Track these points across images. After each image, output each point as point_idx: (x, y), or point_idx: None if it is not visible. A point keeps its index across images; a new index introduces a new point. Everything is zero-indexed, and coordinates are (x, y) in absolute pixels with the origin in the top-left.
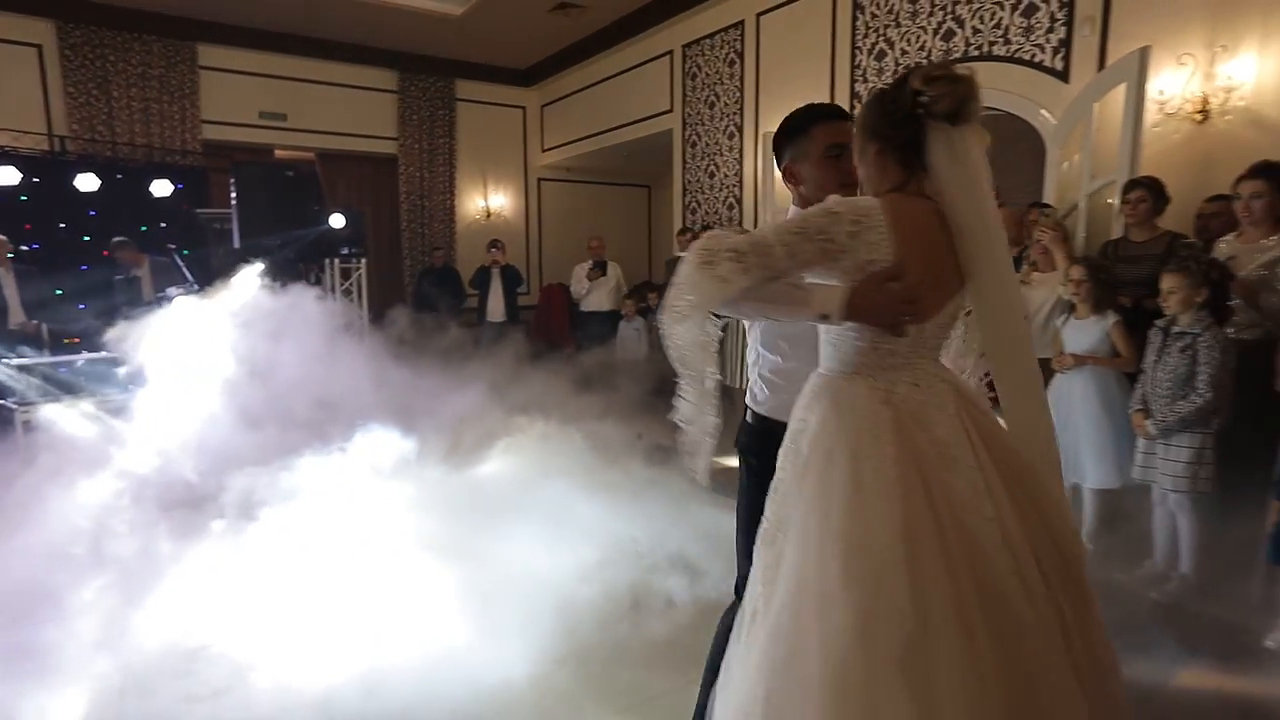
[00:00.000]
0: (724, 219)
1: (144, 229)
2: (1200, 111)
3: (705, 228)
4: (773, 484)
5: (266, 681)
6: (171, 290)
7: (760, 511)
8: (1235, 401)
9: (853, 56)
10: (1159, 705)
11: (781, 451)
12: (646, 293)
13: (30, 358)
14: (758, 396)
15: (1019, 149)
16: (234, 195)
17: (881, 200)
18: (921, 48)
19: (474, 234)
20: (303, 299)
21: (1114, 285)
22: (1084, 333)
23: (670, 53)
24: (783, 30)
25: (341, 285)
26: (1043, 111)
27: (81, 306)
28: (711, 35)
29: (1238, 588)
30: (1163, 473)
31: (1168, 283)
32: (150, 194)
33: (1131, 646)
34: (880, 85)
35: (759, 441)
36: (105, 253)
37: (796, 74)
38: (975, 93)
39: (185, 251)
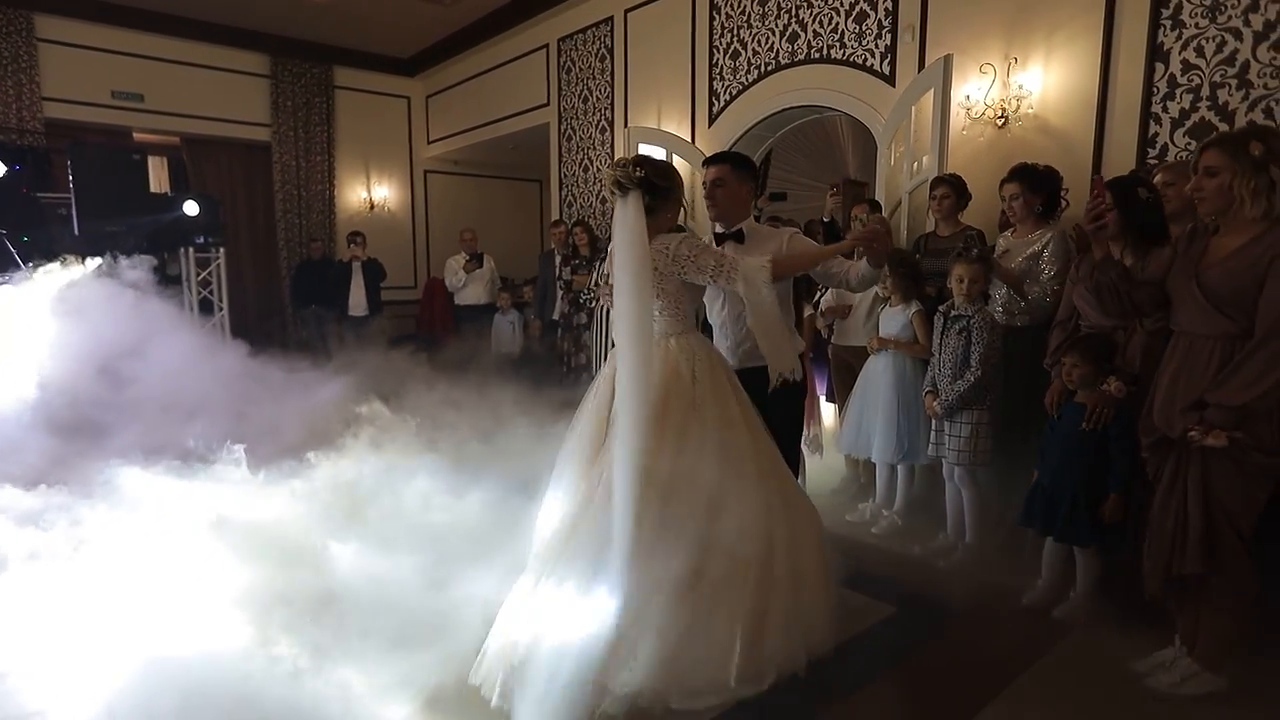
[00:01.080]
0: (596, 212)
1: None
2: (1000, 117)
3: (578, 223)
4: None
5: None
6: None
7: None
8: (1008, 381)
9: (711, 55)
10: (928, 659)
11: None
12: (521, 286)
13: None
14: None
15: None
16: (70, 178)
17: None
18: (771, 49)
19: (356, 225)
20: (125, 289)
21: (920, 276)
22: (893, 321)
23: (546, 46)
24: (649, 27)
25: (198, 275)
26: (875, 112)
27: None
28: (584, 30)
29: (1009, 553)
30: (948, 448)
31: (959, 271)
32: None
33: (916, 612)
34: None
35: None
36: None
37: (662, 71)
38: (627, 175)
39: (24, 238)
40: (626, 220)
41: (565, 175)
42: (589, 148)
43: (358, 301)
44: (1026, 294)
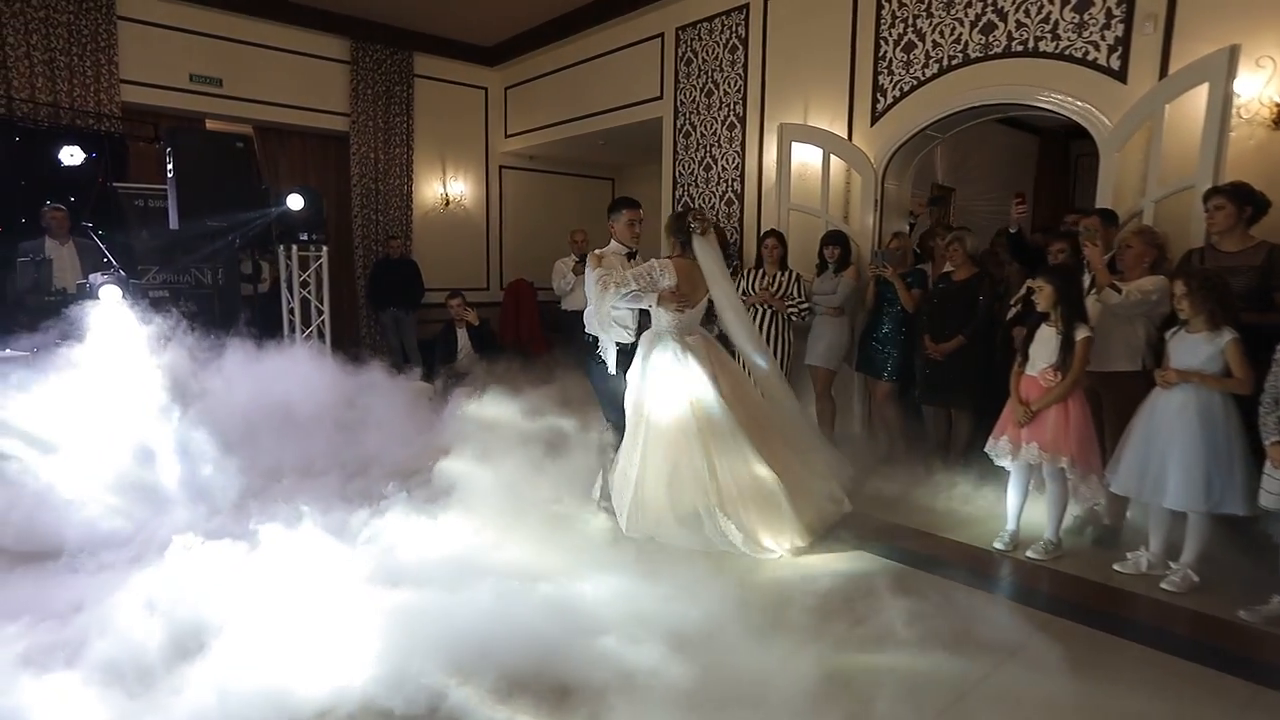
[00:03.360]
0: (721, 215)
1: (46, 204)
2: (1278, 118)
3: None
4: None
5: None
6: (97, 278)
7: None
8: None
9: (877, 48)
10: None
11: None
12: None
13: None
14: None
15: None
16: (170, 168)
17: (672, 259)
18: (957, 40)
19: (432, 223)
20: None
21: (1231, 301)
22: (1194, 350)
23: (661, 36)
24: (792, 16)
25: (299, 276)
26: (1095, 111)
27: None
28: (710, 19)
29: None
30: None
31: None
32: (58, 162)
33: None
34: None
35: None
36: None
37: (810, 64)
38: (711, 223)
39: (100, 232)
40: (714, 252)
41: (680, 173)
42: (712, 145)
43: (464, 358)
44: None
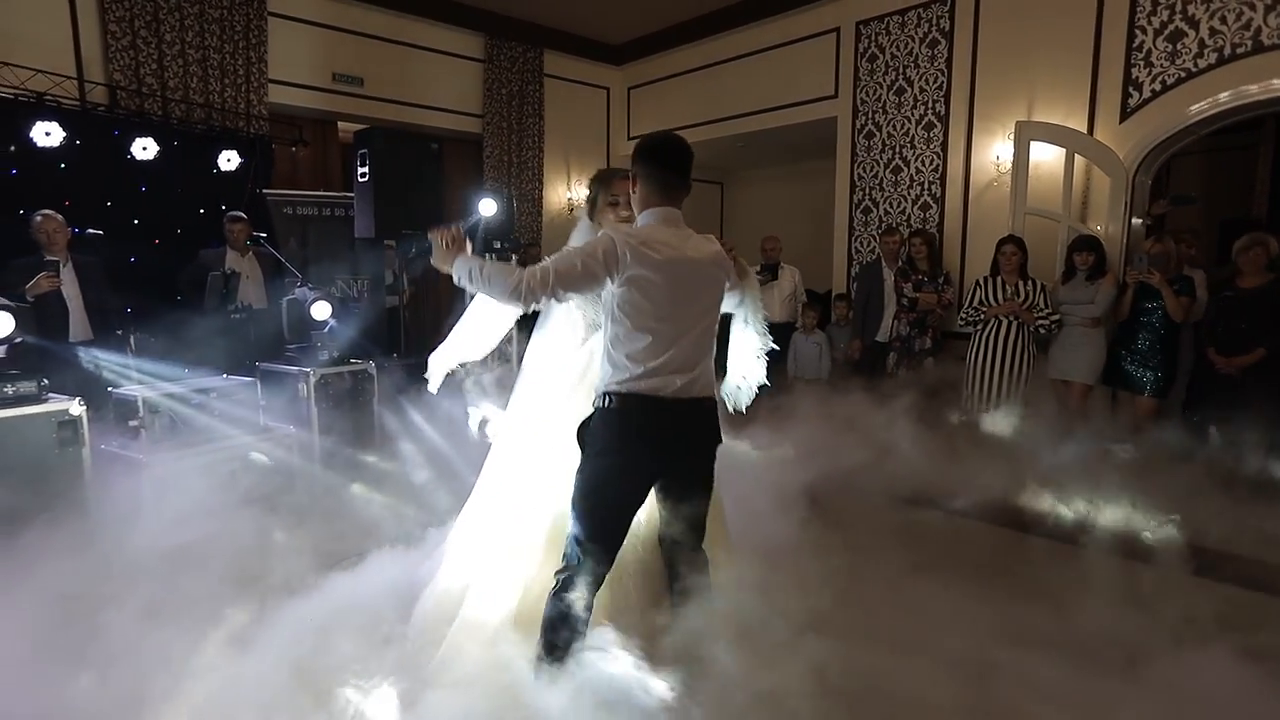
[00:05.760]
0: (913, 219)
1: (201, 211)
2: None
3: (916, 233)
4: None
5: None
6: (305, 293)
7: None
8: None
9: (1130, 37)
10: None
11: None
12: (831, 302)
13: (156, 381)
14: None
15: None
16: (364, 173)
17: None
18: (1246, 24)
19: (557, 229)
20: None
21: None
22: None
23: (837, 30)
24: (1015, 8)
25: None
26: None
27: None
28: (902, 12)
29: None
30: None
31: None
32: (215, 167)
33: None
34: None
35: None
36: (156, 240)
37: (1036, 56)
38: None
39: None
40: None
41: (861, 175)
42: (903, 145)
43: None
44: None
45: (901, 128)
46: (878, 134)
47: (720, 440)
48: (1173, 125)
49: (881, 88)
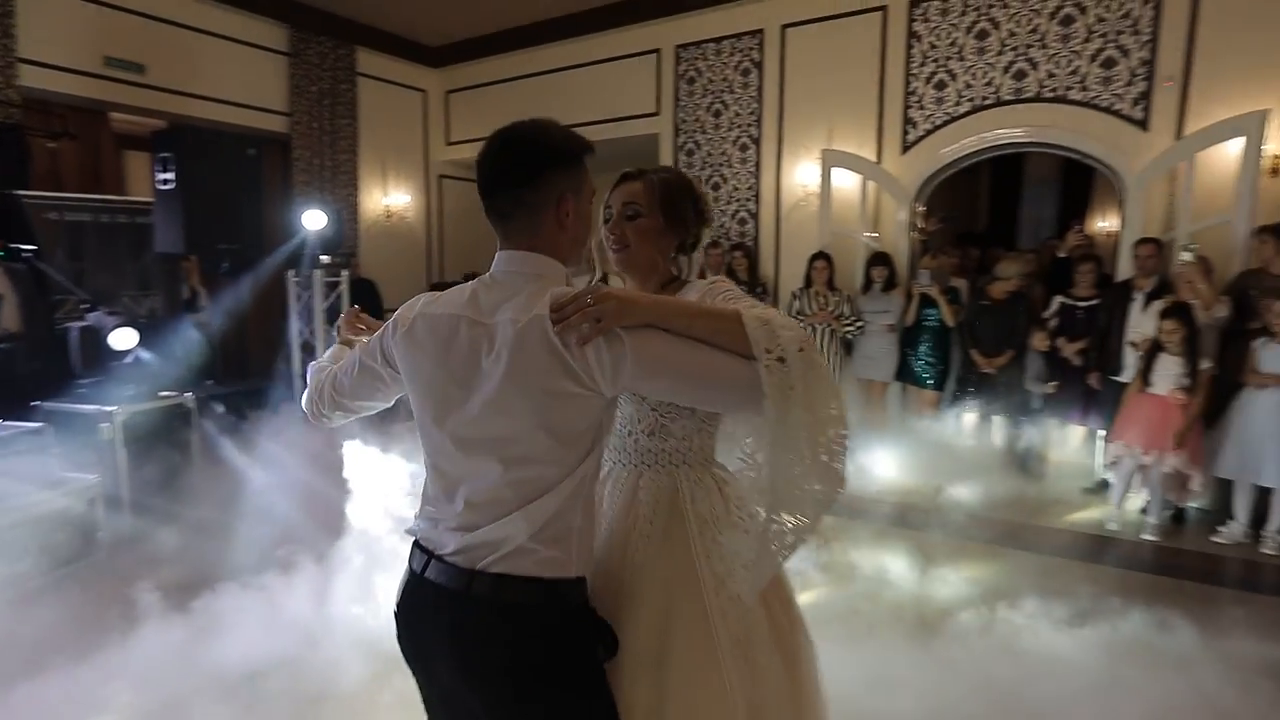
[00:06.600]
0: (732, 233)
1: None
2: (1273, 171)
3: (737, 246)
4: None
5: None
6: (104, 320)
7: None
8: None
9: (907, 83)
10: None
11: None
12: None
13: None
14: None
15: None
16: (168, 178)
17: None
18: (990, 83)
19: (375, 238)
20: None
21: None
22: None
23: (658, 51)
24: (814, 45)
25: (323, 303)
26: (1121, 154)
27: None
28: (719, 40)
29: None
30: None
31: None
32: None
33: None
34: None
35: None
36: None
37: (834, 92)
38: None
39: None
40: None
41: None
42: (721, 164)
43: None
44: None
45: (719, 148)
46: (698, 151)
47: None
48: (942, 159)
49: (700, 109)
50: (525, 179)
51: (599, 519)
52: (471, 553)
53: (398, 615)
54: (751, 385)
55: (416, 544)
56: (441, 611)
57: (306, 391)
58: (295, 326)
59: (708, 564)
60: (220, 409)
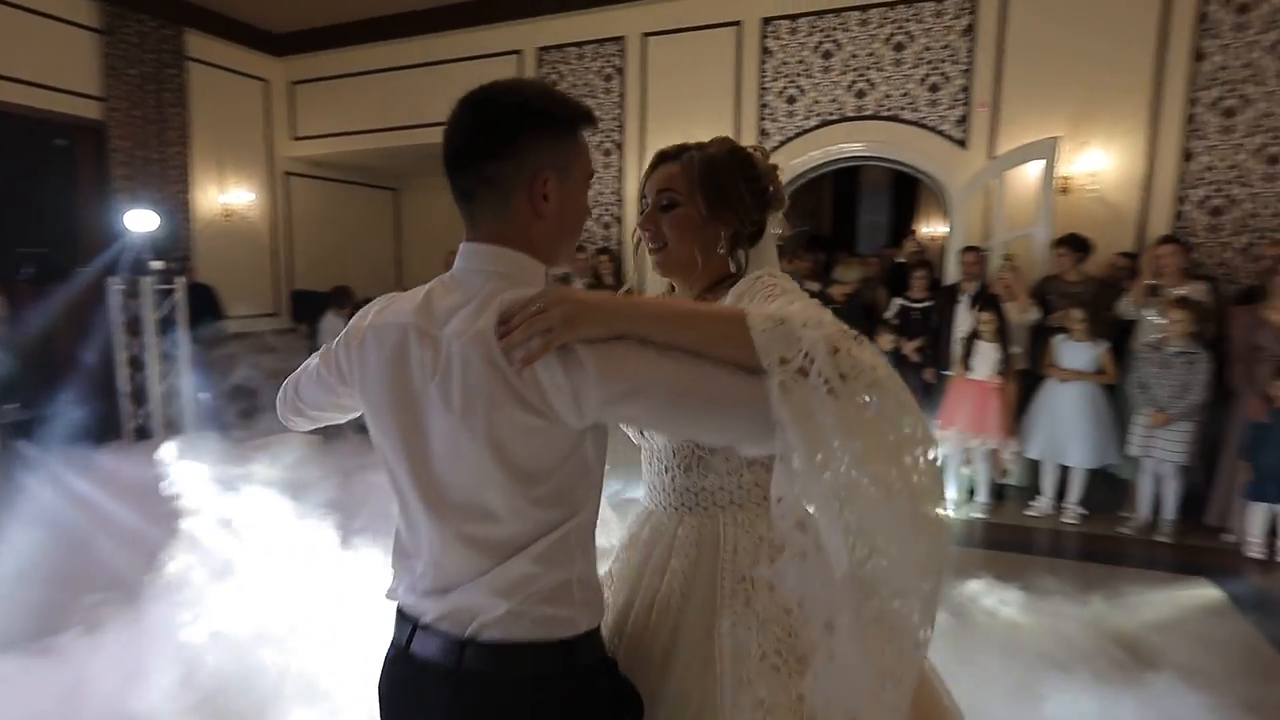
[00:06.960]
0: (596, 237)
1: None
2: (1063, 190)
3: (603, 250)
4: None
5: None
6: None
7: None
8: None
9: (760, 95)
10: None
11: None
12: None
13: None
14: None
15: None
16: None
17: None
18: (834, 101)
19: (212, 239)
20: None
21: (1107, 319)
22: (1079, 354)
23: (520, 52)
24: (672, 54)
25: (156, 313)
26: (946, 169)
27: None
28: (581, 44)
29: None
30: (1165, 450)
31: (1175, 314)
32: None
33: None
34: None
35: None
36: None
37: (694, 101)
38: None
39: None
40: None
41: None
42: None
43: None
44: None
45: None
46: None
47: None
48: (793, 169)
49: None
50: (491, 149)
51: (628, 567)
52: (455, 617)
53: (381, 698)
54: (762, 410)
55: (398, 611)
56: (431, 691)
57: (280, 390)
58: (121, 340)
59: (731, 634)
60: (21, 438)
